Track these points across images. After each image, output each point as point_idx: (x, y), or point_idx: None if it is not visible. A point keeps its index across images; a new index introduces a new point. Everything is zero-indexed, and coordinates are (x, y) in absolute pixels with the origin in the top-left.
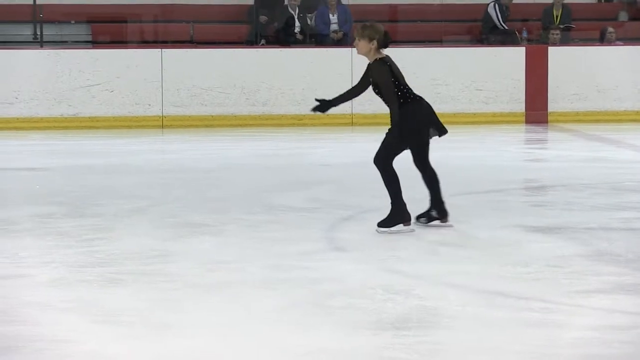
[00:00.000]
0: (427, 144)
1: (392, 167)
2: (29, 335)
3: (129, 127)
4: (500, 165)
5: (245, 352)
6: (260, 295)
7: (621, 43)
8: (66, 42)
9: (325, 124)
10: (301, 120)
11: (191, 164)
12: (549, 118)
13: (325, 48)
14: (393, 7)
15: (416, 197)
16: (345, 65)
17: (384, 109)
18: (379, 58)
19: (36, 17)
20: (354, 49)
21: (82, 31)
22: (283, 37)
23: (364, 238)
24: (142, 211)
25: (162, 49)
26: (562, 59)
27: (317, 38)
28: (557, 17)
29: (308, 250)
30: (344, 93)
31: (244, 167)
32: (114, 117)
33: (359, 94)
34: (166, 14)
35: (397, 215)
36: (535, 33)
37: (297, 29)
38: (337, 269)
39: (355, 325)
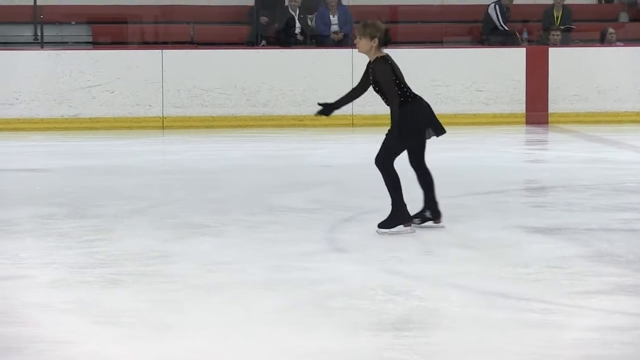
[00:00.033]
0: (425, 144)
1: (394, 167)
2: (30, 336)
3: (130, 128)
4: (500, 166)
5: (246, 353)
6: (261, 296)
7: (621, 44)
8: (67, 43)
9: (325, 125)
10: (302, 121)
11: (191, 165)
12: (550, 119)
13: (325, 49)
14: (393, 8)
15: (417, 198)
16: (345, 66)
17: (385, 110)
18: (381, 56)
19: (37, 18)
20: (355, 50)
21: (82, 32)
22: (283, 38)
23: (364, 239)
24: (143, 212)
25: (163, 50)
26: (562, 60)
27: (318, 39)
28: (557, 18)
29: (308, 251)
30: (346, 95)
31: (244, 168)
32: (114, 118)
33: (361, 95)
34: (167, 15)
35: (398, 216)
36: (536, 34)
37: (297, 30)
38: (337, 269)
39: (355, 326)
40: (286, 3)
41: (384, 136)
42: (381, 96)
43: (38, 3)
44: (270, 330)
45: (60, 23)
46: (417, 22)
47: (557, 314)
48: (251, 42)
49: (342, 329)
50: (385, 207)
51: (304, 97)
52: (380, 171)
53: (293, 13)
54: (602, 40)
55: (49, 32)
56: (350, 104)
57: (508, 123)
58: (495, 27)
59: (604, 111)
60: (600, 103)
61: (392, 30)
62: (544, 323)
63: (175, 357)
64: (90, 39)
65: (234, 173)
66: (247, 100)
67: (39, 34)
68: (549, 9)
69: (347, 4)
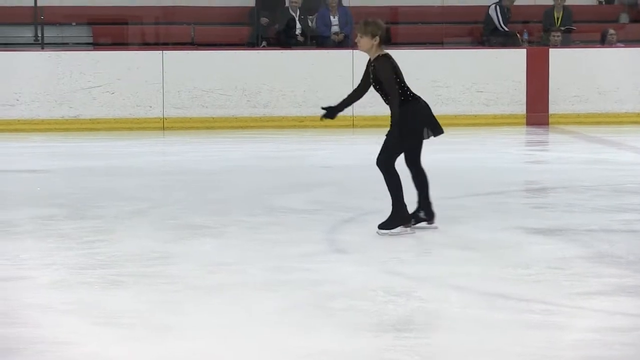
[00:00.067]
0: (422, 144)
1: (395, 168)
2: (30, 337)
3: (130, 129)
4: (501, 167)
5: (246, 354)
6: (261, 297)
7: (622, 45)
8: (67, 44)
9: (326, 126)
10: (302, 122)
11: (192, 166)
12: (550, 120)
13: (326, 50)
14: (394, 9)
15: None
16: (346, 67)
17: (385, 111)
18: (382, 54)
19: (37, 19)
20: (355, 51)
21: (83, 33)
22: (284, 39)
23: (365, 240)
24: (143, 213)
25: (163, 51)
26: (563, 61)
27: (318, 40)
28: (558, 19)
29: (309, 252)
30: (348, 97)
31: (244, 169)
32: (114, 119)
33: (362, 95)
34: (167, 16)
35: (398, 217)
36: (536, 35)
37: (298, 31)
38: (338, 270)
39: (356, 327)
40: (287, 4)
41: (384, 137)
42: (381, 95)
43: (38, 4)
44: (271, 331)
45: (61, 24)
46: (417, 23)
47: (558, 315)
48: (252, 43)
49: (342, 330)
50: (385, 208)
51: (305, 98)
52: (382, 172)
53: (293, 14)
54: (603, 41)
55: (50, 33)
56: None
57: (508, 124)
58: (496, 28)
59: (605, 112)
60: (600, 104)
61: (392, 31)
62: (544, 324)
63: (176, 358)
64: (90, 40)
65: (235, 174)
66: (248, 101)
67: (40, 35)
68: (549, 10)
69: (348, 5)
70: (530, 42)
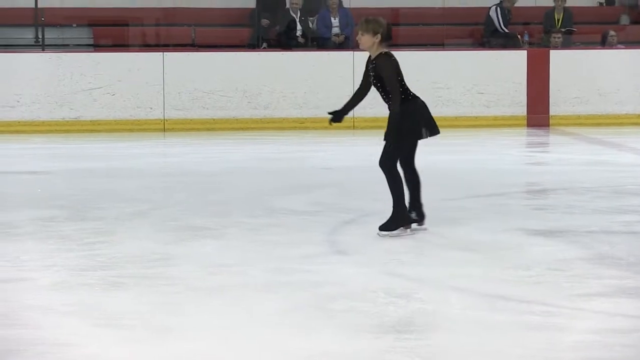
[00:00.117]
0: (417, 144)
1: (397, 170)
2: (31, 338)
3: (131, 130)
4: (501, 168)
5: (247, 356)
6: (262, 298)
7: (623, 46)
8: (68, 45)
9: (326, 128)
10: (303, 123)
11: (193, 168)
12: (551, 121)
13: (326, 51)
14: (395, 11)
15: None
16: (346, 68)
17: (386, 113)
18: (384, 52)
19: (38, 20)
20: (356, 52)
21: (83, 34)
22: (285, 41)
23: (365, 241)
24: (144, 214)
25: (164, 53)
26: (563, 63)
27: (319, 41)
28: (558, 20)
29: (310, 253)
30: (351, 98)
31: (245, 171)
32: (115, 121)
33: (365, 95)
34: (168, 18)
35: (399, 219)
36: (537, 36)
37: (298, 33)
38: (338, 272)
39: (357, 329)
40: (287, 5)
41: (384, 137)
42: (382, 93)
43: (39, 6)
44: (272, 333)
45: (62, 26)
46: (418, 24)
47: (558, 316)
48: (252, 45)
49: (343, 332)
50: (386, 210)
51: (305, 99)
52: (385, 173)
53: (294, 15)
54: (603, 42)
55: (50, 35)
56: None
57: (509, 125)
58: (496, 29)
59: (605, 114)
60: (601, 105)
61: (393, 32)
62: (544, 325)
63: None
64: (91, 42)
65: (235, 175)
66: (248, 102)
67: (40, 37)
68: (550, 12)
69: (348, 7)
70: (530, 44)
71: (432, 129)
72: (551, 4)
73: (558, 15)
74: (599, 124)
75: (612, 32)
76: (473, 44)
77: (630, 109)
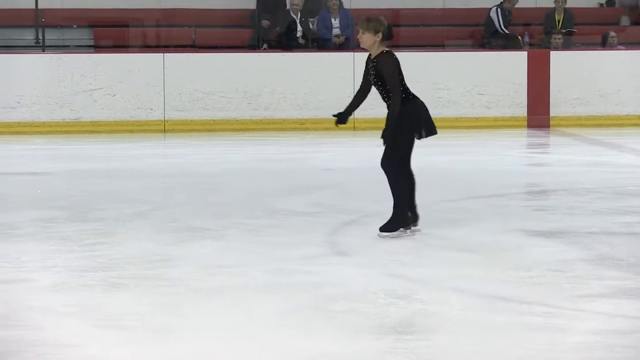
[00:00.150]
0: (413, 144)
1: (398, 170)
2: (31, 339)
3: (131, 131)
4: (502, 169)
5: (247, 357)
6: (262, 299)
7: (623, 47)
8: (68, 46)
9: (327, 129)
10: (303, 124)
11: (193, 169)
12: (551, 122)
13: (327, 52)
14: (395, 12)
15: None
16: (347, 69)
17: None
18: (385, 51)
19: (38, 21)
20: (356, 53)
21: (84, 35)
22: (285, 42)
23: (366, 242)
24: (144, 215)
25: (164, 54)
26: (564, 64)
27: (319, 42)
28: (559, 21)
29: (310, 254)
30: (353, 99)
31: (245, 172)
32: (115, 122)
33: (367, 94)
34: (168, 19)
35: (399, 220)
36: (537, 37)
37: (299, 34)
38: (339, 273)
39: (357, 330)
40: (288, 6)
41: (381, 136)
42: (382, 93)
43: (39, 7)
44: (272, 334)
45: (62, 26)
46: (418, 25)
47: (559, 317)
48: (253, 46)
49: (343, 333)
50: (386, 210)
51: (306, 100)
52: (386, 173)
53: (294, 16)
54: (604, 43)
55: (51, 36)
56: None
57: (509, 126)
58: (497, 30)
59: (606, 114)
60: (601, 106)
61: (393, 33)
62: (545, 326)
63: None
64: (91, 43)
65: (236, 176)
66: (249, 103)
67: (41, 38)
68: (550, 13)
69: (349, 8)
70: (531, 45)
71: (430, 129)
72: (552, 5)
73: (558, 16)
74: (599, 125)
75: (612, 33)
76: (473, 45)
77: (630, 110)
